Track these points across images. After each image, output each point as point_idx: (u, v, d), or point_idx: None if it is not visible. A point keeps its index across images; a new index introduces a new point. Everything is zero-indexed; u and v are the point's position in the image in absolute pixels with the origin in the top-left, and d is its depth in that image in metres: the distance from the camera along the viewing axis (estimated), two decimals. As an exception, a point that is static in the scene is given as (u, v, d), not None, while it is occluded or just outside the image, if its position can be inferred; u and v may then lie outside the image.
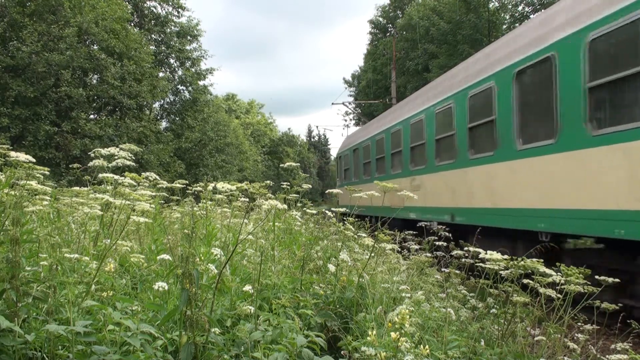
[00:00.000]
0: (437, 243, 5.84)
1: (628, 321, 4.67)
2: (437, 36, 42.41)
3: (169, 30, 42.83)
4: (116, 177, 3.88)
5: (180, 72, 43.70)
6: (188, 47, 44.00)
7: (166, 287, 3.13)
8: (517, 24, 36.26)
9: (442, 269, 5.31)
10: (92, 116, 32.38)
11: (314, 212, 7.00)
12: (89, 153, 4.71)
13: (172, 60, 43.79)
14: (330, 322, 4.00)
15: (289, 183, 6.22)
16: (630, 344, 3.88)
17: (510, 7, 41.04)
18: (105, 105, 33.25)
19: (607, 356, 3.63)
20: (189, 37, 43.79)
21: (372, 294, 4.22)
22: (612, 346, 3.88)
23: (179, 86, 43.77)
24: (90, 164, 4.32)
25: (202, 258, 4.02)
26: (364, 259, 4.92)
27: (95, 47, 31.23)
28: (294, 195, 6.03)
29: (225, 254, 3.99)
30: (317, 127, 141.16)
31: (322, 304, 4.31)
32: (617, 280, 4.08)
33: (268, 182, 5.22)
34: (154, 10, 42.22)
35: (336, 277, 4.63)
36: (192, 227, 3.24)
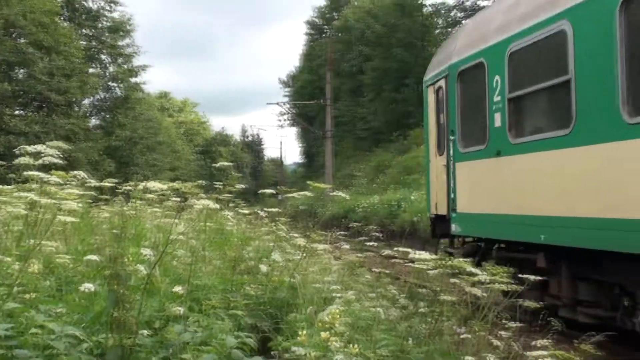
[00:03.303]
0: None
1: (548, 319, 4.86)
2: (372, 39, 42.97)
3: (100, 25, 41.87)
4: (42, 175, 3.76)
5: (111, 69, 42.80)
6: (121, 43, 43.12)
7: (93, 289, 3.06)
8: (450, 29, 37.16)
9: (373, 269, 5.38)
10: (17, 112, 31.36)
11: (247, 212, 6.98)
12: (14, 150, 4.55)
13: (103, 56, 42.85)
14: (261, 322, 4.00)
15: (222, 183, 6.17)
16: (550, 341, 4.03)
17: (443, 12, 41.99)
18: (32, 100, 32.24)
19: (529, 352, 3.76)
20: (121, 33, 42.91)
21: (304, 294, 4.24)
22: (534, 342, 4.02)
23: (110, 83, 42.85)
24: (15, 161, 4.17)
25: (131, 259, 3.95)
26: (296, 260, 4.94)
27: (22, 40, 30.23)
28: (227, 195, 5.99)
29: (156, 255, 3.93)
30: (251, 126, 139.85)
31: (253, 304, 4.30)
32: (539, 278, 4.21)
33: (201, 181, 5.17)
34: (85, 4, 41.20)
35: (268, 277, 4.63)
36: (121, 227, 3.19)
